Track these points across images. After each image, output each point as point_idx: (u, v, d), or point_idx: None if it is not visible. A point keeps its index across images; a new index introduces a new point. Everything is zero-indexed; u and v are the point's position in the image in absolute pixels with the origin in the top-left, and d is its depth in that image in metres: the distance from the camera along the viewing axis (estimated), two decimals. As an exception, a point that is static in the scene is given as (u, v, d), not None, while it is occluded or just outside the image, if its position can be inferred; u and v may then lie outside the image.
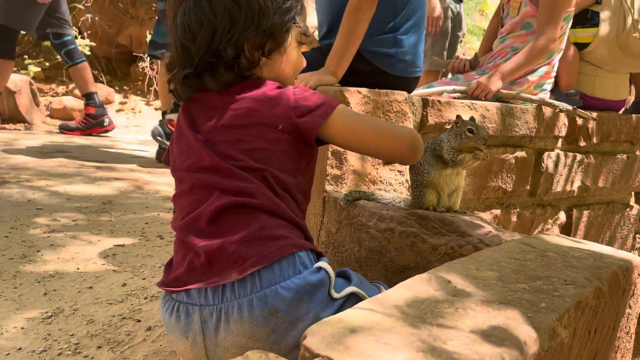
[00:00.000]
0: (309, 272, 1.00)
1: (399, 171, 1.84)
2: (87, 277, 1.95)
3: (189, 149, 1.09)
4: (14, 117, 5.70)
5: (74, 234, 2.37)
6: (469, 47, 7.76)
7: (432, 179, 1.42)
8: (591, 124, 2.54)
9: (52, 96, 6.71)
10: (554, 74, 2.50)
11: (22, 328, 1.59)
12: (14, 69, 5.10)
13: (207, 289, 0.99)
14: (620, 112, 2.98)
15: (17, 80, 5.57)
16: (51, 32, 4.54)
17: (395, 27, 2.06)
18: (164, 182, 3.46)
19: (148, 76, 7.05)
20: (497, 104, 2.12)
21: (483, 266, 0.97)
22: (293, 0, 1.12)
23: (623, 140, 2.79)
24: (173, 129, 2.95)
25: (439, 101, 1.92)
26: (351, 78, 2.00)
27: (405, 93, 1.83)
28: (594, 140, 2.59)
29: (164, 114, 3.90)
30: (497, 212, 2.25)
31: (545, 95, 2.48)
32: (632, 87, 3.20)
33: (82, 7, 6.95)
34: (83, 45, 6.63)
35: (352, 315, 0.73)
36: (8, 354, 1.46)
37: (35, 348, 1.49)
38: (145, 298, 1.80)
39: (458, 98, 2.21)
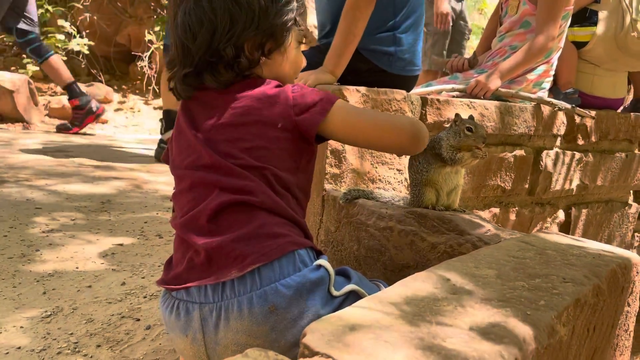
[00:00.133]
0: (309, 270, 1.01)
1: (397, 170, 1.84)
2: (86, 276, 1.95)
3: (188, 147, 1.09)
4: (13, 117, 5.70)
5: (73, 233, 2.37)
6: (467, 45, 7.75)
7: (431, 177, 1.42)
8: (590, 123, 2.54)
9: (50, 95, 6.70)
10: (552, 72, 2.50)
11: (21, 327, 1.59)
12: (12, 68, 5.10)
13: (206, 287, 0.99)
14: (619, 110, 2.99)
15: (15, 80, 5.56)
16: (15, 29, 4.48)
17: (395, 26, 2.06)
18: (162, 181, 3.46)
19: (147, 75, 7.04)
20: (496, 102, 2.12)
21: (482, 264, 0.98)
22: (294, 0, 1.12)
23: (622, 138, 2.80)
24: None
25: (437, 100, 1.92)
26: (350, 77, 2.00)
27: (404, 92, 1.83)
28: (593, 138, 2.59)
29: (165, 112, 3.88)
30: (496, 210, 2.25)
31: (544, 94, 2.48)
32: (631, 86, 3.20)
33: (81, 6, 6.94)
34: (82, 44, 6.63)
35: (351, 313, 0.73)
36: (7, 352, 1.46)
37: (35, 347, 1.49)
38: (145, 297, 1.80)
39: (457, 97, 2.22)
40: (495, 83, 2.25)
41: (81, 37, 6.88)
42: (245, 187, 1.02)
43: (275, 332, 0.97)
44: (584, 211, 2.68)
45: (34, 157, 3.79)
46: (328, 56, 1.94)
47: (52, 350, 1.48)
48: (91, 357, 1.46)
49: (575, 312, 0.86)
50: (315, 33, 2.24)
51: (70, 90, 4.65)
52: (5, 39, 6.63)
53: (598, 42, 2.74)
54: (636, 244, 3.13)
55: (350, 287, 1.05)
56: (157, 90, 7.24)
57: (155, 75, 7.11)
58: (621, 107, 3.06)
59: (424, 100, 1.89)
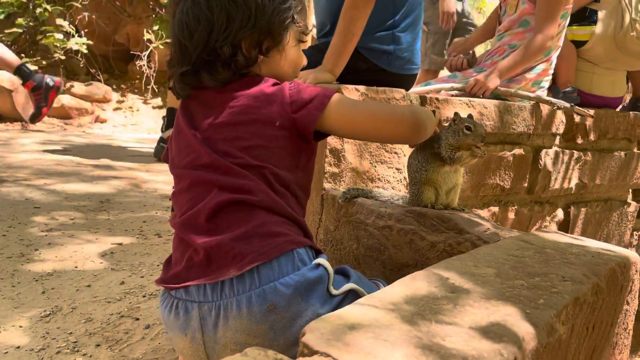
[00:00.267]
0: (308, 269, 1.00)
1: (397, 169, 1.84)
2: (85, 276, 1.94)
3: (187, 147, 1.09)
4: (11, 116, 5.69)
5: (71, 232, 2.36)
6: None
7: (430, 176, 1.42)
8: (589, 121, 2.54)
9: (49, 95, 6.68)
10: (551, 71, 2.50)
11: (21, 326, 1.59)
12: (11, 67, 5.07)
13: (205, 286, 0.99)
14: (618, 109, 2.99)
15: (14, 79, 5.55)
16: None
17: (394, 25, 2.06)
18: (161, 180, 3.46)
19: (145, 74, 7.03)
20: (495, 101, 2.12)
21: (481, 263, 0.98)
22: None
23: (620, 137, 2.80)
24: None
25: (436, 99, 1.92)
26: (349, 76, 2.00)
27: (403, 91, 1.83)
28: (592, 137, 2.60)
29: (169, 110, 3.87)
30: (495, 209, 2.25)
31: (543, 93, 2.48)
32: (629, 84, 3.20)
33: (80, 5, 6.93)
34: (80, 43, 6.62)
35: (350, 312, 0.73)
36: (6, 352, 1.46)
37: (34, 346, 1.49)
38: (144, 296, 1.80)
39: (456, 95, 2.21)
40: (494, 82, 2.26)
41: (80, 36, 6.86)
42: (244, 186, 1.01)
43: (274, 330, 0.97)
44: (583, 210, 2.68)
45: (33, 157, 3.78)
46: (327, 55, 1.94)
47: (51, 350, 1.48)
48: (90, 356, 1.46)
49: (575, 310, 0.86)
50: (314, 32, 2.23)
51: (21, 73, 4.39)
52: (3, 38, 6.61)
53: (597, 42, 2.74)
54: (635, 242, 3.13)
55: (349, 286, 1.05)
56: (156, 90, 7.23)
57: (154, 75, 7.10)
58: (620, 106, 3.06)
59: (423, 99, 1.89)
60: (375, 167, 1.79)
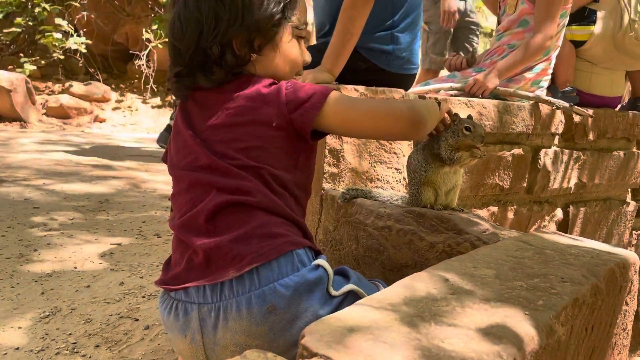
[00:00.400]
0: (307, 270, 1.00)
1: (396, 169, 1.84)
2: (85, 276, 1.94)
3: (185, 148, 1.09)
4: (10, 116, 5.68)
5: (71, 233, 2.36)
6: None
7: (430, 177, 1.42)
8: (588, 121, 2.54)
9: (48, 94, 6.68)
10: (550, 71, 2.50)
11: (20, 327, 1.59)
12: (10, 67, 5.07)
13: (205, 287, 0.99)
14: (617, 109, 2.99)
15: (12, 79, 5.55)
16: None
17: (393, 25, 2.06)
18: (161, 180, 3.46)
19: (144, 74, 7.03)
20: (494, 101, 2.12)
21: (481, 264, 0.98)
22: None
23: (620, 137, 2.80)
24: None
25: (435, 99, 1.92)
26: (348, 75, 2.00)
27: (402, 90, 1.83)
28: (591, 137, 2.60)
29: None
30: (494, 209, 2.25)
31: (542, 93, 2.48)
32: (628, 83, 3.20)
33: (78, 5, 6.92)
34: (79, 42, 6.61)
35: (350, 314, 0.73)
36: (6, 353, 1.46)
37: (33, 347, 1.49)
38: (143, 297, 1.80)
39: (455, 95, 2.21)
40: (493, 82, 2.26)
41: (79, 35, 6.86)
42: (242, 187, 1.01)
43: (274, 332, 0.97)
44: (582, 209, 2.68)
45: (32, 157, 3.78)
46: (326, 55, 1.94)
47: (51, 351, 1.48)
48: (90, 357, 1.46)
49: (574, 311, 0.86)
50: (311, 29, 2.23)
51: None
52: (2, 37, 6.60)
53: (596, 42, 2.73)
54: (634, 241, 3.14)
55: (349, 287, 1.05)
56: (155, 89, 7.23)
57: (153, 74, 7.09)
58: (619, 106, 3.06)
59: (422, 99, 1.89)
60: (375, 167, 1.79)
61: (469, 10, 4.18)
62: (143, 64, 6.97)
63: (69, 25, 6.71)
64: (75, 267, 2.01)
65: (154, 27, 6.85)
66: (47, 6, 6.62)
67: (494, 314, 0.76)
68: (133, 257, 2.15)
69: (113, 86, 7.25)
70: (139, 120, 6.73)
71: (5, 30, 6.62)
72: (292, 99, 1.06)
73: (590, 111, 2.48)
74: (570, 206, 2.64)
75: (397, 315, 0.73)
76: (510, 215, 2.33)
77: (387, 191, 1.63)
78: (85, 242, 2.27)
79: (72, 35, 6.67)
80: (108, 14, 7.29)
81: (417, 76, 2.26)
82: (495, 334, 0.70)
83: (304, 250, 1.03)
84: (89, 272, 1.98)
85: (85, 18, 6.98)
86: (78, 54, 6.79)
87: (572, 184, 2.56)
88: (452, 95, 2.19)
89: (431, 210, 1.42)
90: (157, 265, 2.05)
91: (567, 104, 2.35)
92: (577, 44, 2.80)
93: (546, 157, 2.37)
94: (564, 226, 2.62)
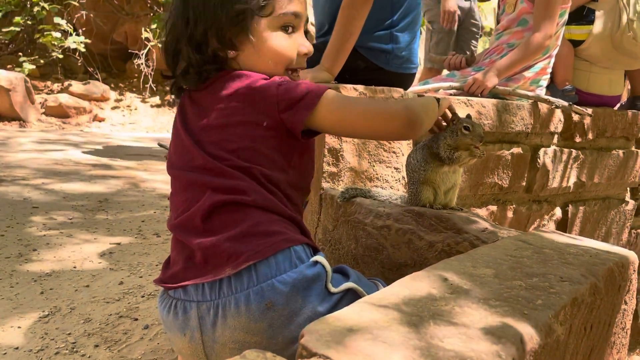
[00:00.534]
0: (306, 266, 1.00)
1: (395, 168, 1.85)
2: (84, 276, 1.94)
3: (182, 148, 1.09)
4: (9, 115, 5.67)
5: (70, 232, 2.36)
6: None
7: (429, 176, 1.42)
8: (587, 120, 2.54)
9: (47, 94, 6.67)
10: (550, 70, 2.50)
11: (19, 327, 1.59)
12: (9, 66, 5.07)
13: (204, 285, 0.99)
14: (616, 108, 2.99)
15: (11, 78, 5.54)
16: None
17: (393, 24, 2.06)
18: (160, 179, 3.46)
19: (143, 73, 7.02)
20: (493, 100, 2.12)
21: (479, 263, 0.98)
22: None
23: (619, 136, 2.80)
24: None
25: (435, 98, 1.92)
26: (347, 75, 2.00)
27: (401, 90, 1.83)
28: (590, 136, 2.60)
29: None
30: (494, 208, 2.25)
31: (541, 92, 2.48)
32: (627, 82, 3.20)
33: (77, 4, 6.91)
34: (78, 42, 6.60)
35: (349, 313, 0.73)
36: (5, 353, 1.46)
37: (33, 347, 1.49)
38: (142, 296, 1.80)
39: (454, 94, 2.21)
40: (492, 81, 2.26)
41: (77, 34, 6.85)
42: (237, 186, 1.01)
43: (273, 328, 0.97)
44: (581, 208, 2.68)
45: (31, 156, 3.78)
46: (325, 54, 1.93)
47: (50, 351, 1.48)
48: (89, 357, 1.46)
49: (573, 311, 0.86)
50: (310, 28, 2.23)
51: None
52: (1, 37, 6.59)
53: (594, 41, 2.73)
54: (633, 240, 3.14)
55: (348, 284, 1.05)
56: (154, 88, 7.22)
57: (152, 73, 7.09)
58: (618, 105, 3.06)
59: (422, 99, 1.89)
60: (374, 166, 1.79)
61: (473, 10, 4.14)
62: (142, 63, 6.96)
63: (68, 24, 6.70)
64: (74, 267, 2.01)
65: (153, 26, 6.84)
66: (46, 5, 6.61)
67: (493, 313, 0.76)
68: (132, 256, 2.15)
69: (112, 85, 7.24)
70: (138, 120, 6.73)
71: (4, 30, 6.61)
72: (284, 98, 1.04)
73: (590, 110, 2.48)
74: (570, 205, 2.64)
75: (396, 314, 0.73)
76: (510, 214, 2.33)
77: (387, 190, 1.63)
78: (84, 241, 2.27)
79: (71, 35, 6.67)
80: (107, 13, 7.28)
81: (419, 75, 2.26)
82: (495, 333, 0.70)
83: (301, 247, 1.03)
84: (88, 271, 1.98)
85: (84, 17, 6.97)
86: (77, 53, 6.78)
87: (571, 183, 2.56)
88: (451, 94, 2.19)
89: (430, 209, 1.42)
90: (157, 265, 2.05)
91: (566, 103, 2.36)
92: (576, 44, 2.80)
93: (545, 156, 2.37)
94: (563, 225, 2.63)
